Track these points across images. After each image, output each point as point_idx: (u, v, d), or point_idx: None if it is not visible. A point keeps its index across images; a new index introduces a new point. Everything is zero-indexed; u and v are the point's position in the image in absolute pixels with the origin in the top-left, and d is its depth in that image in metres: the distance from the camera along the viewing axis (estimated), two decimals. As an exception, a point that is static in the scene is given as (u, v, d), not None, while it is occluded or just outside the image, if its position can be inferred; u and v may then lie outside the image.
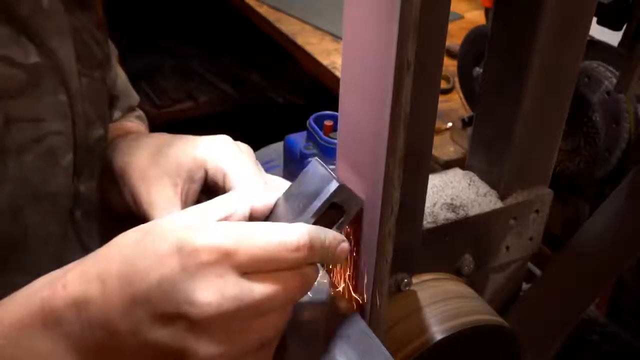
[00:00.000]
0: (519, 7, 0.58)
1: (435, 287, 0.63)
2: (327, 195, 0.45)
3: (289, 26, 1.67)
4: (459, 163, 0.89)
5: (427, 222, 0.62)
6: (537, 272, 0.82)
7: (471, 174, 0.70)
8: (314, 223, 0.44)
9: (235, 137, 0.63)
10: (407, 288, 0.59)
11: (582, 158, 0.83)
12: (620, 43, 0.70)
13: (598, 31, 0.72)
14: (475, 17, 1.70)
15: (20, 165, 0.53)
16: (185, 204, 0.58)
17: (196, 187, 0.59)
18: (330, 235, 0.44)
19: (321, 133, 0.86)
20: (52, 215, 0.57)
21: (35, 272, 0.45)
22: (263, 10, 1.76)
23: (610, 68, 0.79)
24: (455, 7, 1.75)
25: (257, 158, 0.61)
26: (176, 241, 0.40)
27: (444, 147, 1.22)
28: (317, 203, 0.45)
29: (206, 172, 0.58)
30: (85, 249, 0.63)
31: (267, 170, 0.61)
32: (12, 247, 0.55)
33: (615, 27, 0.69)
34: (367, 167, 0.45)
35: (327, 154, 0.84)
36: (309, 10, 1.73)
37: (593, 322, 0.86)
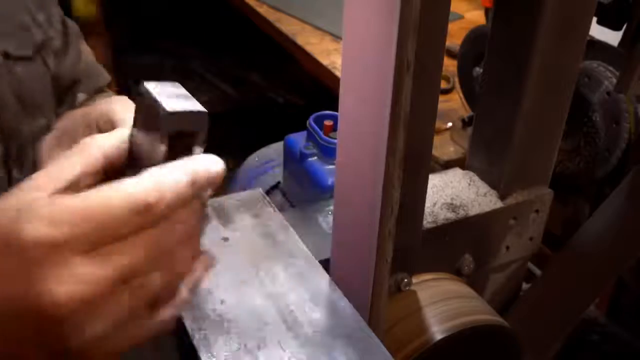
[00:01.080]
0: (519, 7, 0.58)
1: (435, 287, 0.63)
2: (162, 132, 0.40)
3: (289, 26, 1.67)
4: (459, 163, 0.89)
5: (427, 222, 0.62)
6: (537, 272, 0.82)
7: (471, 174, 0.70)
8: (167, 158, 0.40)
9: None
10: (407, 288, 0.59)
11: (582, 158, 0.83)
12: (620, 43, 0.70)
13: (598, 31, 0.72)
14: (475, 17, 1.70)
15: None
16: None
17: None
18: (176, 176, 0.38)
19: (321, 133, 0.86)
20: None
21: None
22: (263, 10, 1.76)
23: (610, 68, 0.79)
24: (455, 7, 1.74)
25: (257, 158, 0.61)
26: (3, 237, 0.36)
27: (444, 147, 1.22)
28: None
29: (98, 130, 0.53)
30: None
31: (267, 170, 0.61)
32: None
33: (615, 27, 0.69)
34: (367, 167, 0.45)
35: (327, 154, 0.84)
36: (309, 10, 1.73)
37: (593, 322, 0.86)
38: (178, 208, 0.38)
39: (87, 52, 0.76)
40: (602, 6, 0.67)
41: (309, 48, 1.56)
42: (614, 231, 0.71)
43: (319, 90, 1.54)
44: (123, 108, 0.51)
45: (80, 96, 0.74)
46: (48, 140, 0.56)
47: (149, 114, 0.41)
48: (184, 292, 0.40)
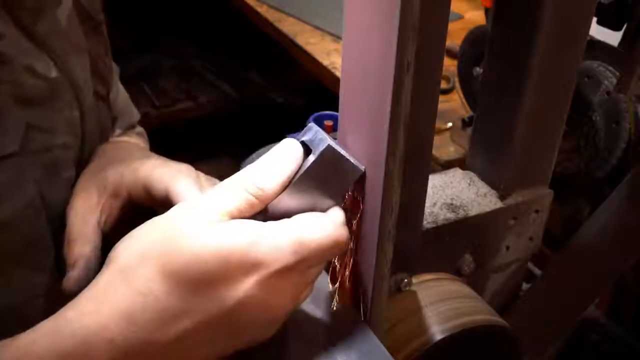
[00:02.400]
0: (519, 8, 0.58)
1: (435, 287, 0.63)
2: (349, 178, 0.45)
3: (289, 26, 1.67)
4: (459, 163, 0.89)
5: (427, 222, 0.62)
6: (537, 272, 0.82)
7: (471, 174, 0.70)
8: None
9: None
10: (407, 288, 0.59)
11: (582, 158, 0.83)
12: (620, 43, 0.70)
13: (598, 31, 0.72)
14: (475, 17, 1.70)
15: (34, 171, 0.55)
16: (102, 215, 0.60)
17: (118, 203, 0.61)
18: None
19: (321, 133, 0.86)
20: (50, 228, 0.59)
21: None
22: (263, 10, 1.76)
23: (610, 68, 0.79)
24: (455, 7, 1.75)
25: (257, 158, 0.62)
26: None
27: (444, 147, 1.22)
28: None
29: (129, 193, 0.60)
30: None
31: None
32: (32, 246, 0.56)
33: (615, 27, 0.69)
34: (367, 167, 0.45)
35: (327, 154, 0.84)
36: (309, 10, 1.73)
37: (593, 322, 0.86)
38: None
39: (122, 90, 0.82)
40: (602, 6, 0.67)
41: (309, 48, 1.56)
42: (614, 231, 0.71)
43: (319, 90, 1.54)
44: (166, 176, 0.58)
45: (116, 132, 0.79)
46: (88, 169, 0.63)
47: (330, 170, 0.45)
48: None
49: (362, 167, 0.45)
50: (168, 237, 0.41)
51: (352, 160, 0.44)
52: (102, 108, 0.68)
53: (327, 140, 0.43)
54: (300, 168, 0.44)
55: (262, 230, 0.41)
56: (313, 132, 0.45)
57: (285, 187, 0.44)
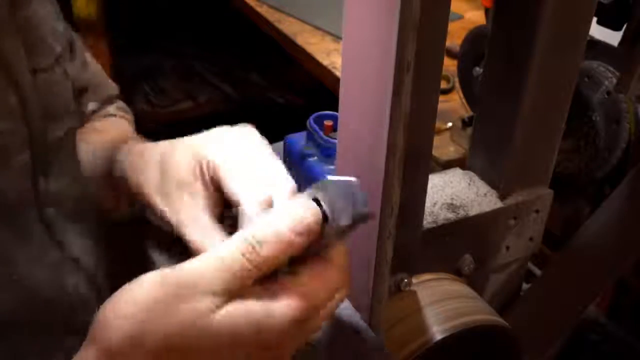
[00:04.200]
0: (519, 7, 0.58)
1: (435, 287, 0.63)
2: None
3: (289, 26, 1.67)
4: (459, 163, 0.89)
5: (427, 222, 0.62)
6: (537, 272, 0.82)
7: (471, 174, 0.70)
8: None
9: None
10: (407, 288, 0.59)
11: (582, 158, 0.83)
12: (620, 43, 0.70)
13: (598, 31, 0.72)
14: (475, 17, 1.70)
15: None
16: (210, 207, 0.56)
17: (213, 189, 0.57)
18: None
19: (321, 133, 0.86)
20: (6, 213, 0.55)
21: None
22: (263, 10, 1.76)
23: (610, 68, 0.79)
24: (455, 7, 1.74)
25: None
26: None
27: (444, 147, 1.22)
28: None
29: (213, 175, 0.56)
30: (62, 248, 0.60)
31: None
32: None
33: (615, 27, 0.69)
34: (367, 168, 0.45)
35: (327, 154, 0.84)
36: (309, 10, 1.73)
37: (593, 322, 0.86)
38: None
39: (93, 63, 0.77)
40: (602, 6, 0.67)
41: (309, 48, 1.56)
42: (614, 231, 0.71)
43: (319, 90, 1.54)
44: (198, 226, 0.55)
45: (91, 105, 0.75)
46: (151, 175, 0.60)
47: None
48: None
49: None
50: (162, 326, 0.37)
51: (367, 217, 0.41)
52: (50, 82, 0.60)
53: (350, 212, 0.40)
54: None
55: (264, 317, 0.39)
56: (333, 194, 0.41)
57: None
